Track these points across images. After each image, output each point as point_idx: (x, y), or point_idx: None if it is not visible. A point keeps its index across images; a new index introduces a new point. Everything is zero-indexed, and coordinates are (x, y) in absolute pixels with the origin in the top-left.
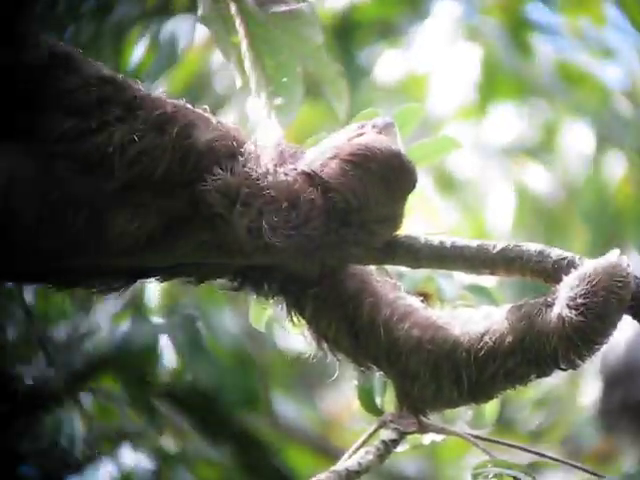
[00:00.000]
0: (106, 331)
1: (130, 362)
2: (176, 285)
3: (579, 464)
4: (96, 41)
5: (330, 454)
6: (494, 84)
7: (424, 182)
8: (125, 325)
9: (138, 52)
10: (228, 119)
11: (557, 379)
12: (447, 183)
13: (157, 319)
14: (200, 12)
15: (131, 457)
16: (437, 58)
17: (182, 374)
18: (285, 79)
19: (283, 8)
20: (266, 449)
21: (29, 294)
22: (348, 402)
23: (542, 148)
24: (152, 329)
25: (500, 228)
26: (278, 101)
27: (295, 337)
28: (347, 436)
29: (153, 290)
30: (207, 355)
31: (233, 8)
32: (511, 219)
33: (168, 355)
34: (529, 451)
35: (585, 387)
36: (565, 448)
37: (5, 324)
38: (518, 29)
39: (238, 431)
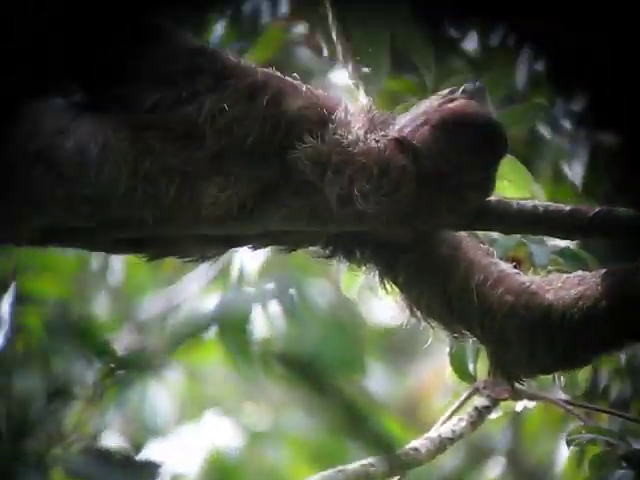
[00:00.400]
0: (198, 302)
1: (223, 332)
2: (268, 254)
3: None
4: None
5: (418, 425)
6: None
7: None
8: (216, 296)
9: (219, 29)
10: (319, 87)
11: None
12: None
13: (249, 288)
14: None
15: (219, 426)
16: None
17: (277, 342)
18: (372, 49)
19: None
20: (362, 417)
21: (117, 270)
22: (437, 373)
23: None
24: (245, 298)
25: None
26: (365, 70)
27: (387, 306)
28: (436, 407)
29: (244, 259)
30: (302, 323)
31: None
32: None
33: (261, 324)
34: (624, 417)
35: None
36: None
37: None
38: None
39: (334, 395)
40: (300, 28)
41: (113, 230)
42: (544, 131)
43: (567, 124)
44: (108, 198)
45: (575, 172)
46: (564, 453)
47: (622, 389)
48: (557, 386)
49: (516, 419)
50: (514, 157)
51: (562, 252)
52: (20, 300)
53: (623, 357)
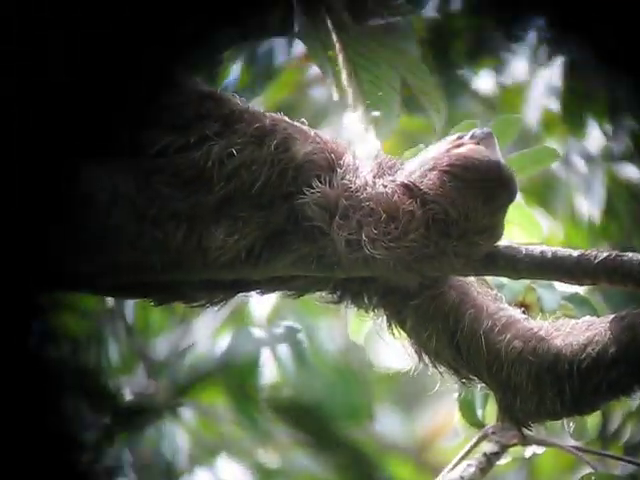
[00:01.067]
0: (207, 345)
1: (233, 375)
2: (277, 298)
3: None
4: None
5: (428, 469)
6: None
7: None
8: (226, 338)
9: (235, 70)
10: (326, 132)
11: None
12: (537, 195)
13: (259, 332)
14: (296, 28)
15: (230, 470)
16: (529, 70)
17: (285, 387)
18: (382, 92)
19: (379, 22)
20: (369, 463)
21: (129, 310)
22: (446, 417)
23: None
24: (254, 342)
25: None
26: (375, 114)
27: (394, 351)
28: (445, 451)
29: (254, 303)
30: (310, 368)
31: (329, 23)
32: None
33: (270, 368)
34: (634, 463)
35: None
36: None
37: (108, 340)
38: None
39: (342, 444)
40: (315, 69)
41: (121, 275)
42: (559, 170)
43: (582, 162)
44: (116, 243)
45: (592, 209)
46: None
47: (634, 433)
48: (566, 432)
49: (527, 464)
50: (523, 202)
51: (571, 298)
52: (45, 336)
53: (635, 401)
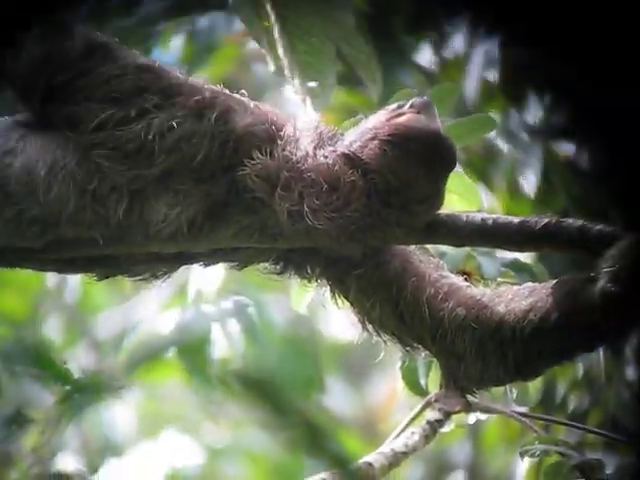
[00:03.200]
0: (155, 321)
1: (183, 351)
2: (225, 270)
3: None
4: (125, 37)
5: (377, 438)
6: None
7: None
8: (174, 314)
9: (175, 45)
10: (266, 104)
11: (598, 356)
12: (477, 166)
13: (208, 307)
14: (230, 0)
15: (177, 443)
16: (470, 43)
17: (235, 362)
18: (317, 63)
19: None
20: (320, 435)
21: (72, 287)
22: (396, 387)
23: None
24: (204, 317)
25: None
26: (312, 85)
27: (342, 321)
28: (394, 420)
29: (201, 276)
30: (260, 342)
31: None
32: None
33: (221, 343)
34: (575, 427)
35: (625, 365)
36: (606, 429)
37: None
38: None
39: (293, 417)
40: (255, 43)
41: (63, 250)
42: (499, 142)
43: (522, 135)
44: (57, 217)
45: (530, 183)
46: (523, 465)
47: (579, 402)
48: (509, 398)
49: (475, 432)
50: (463, 171)
51: (511, 264)
52: None
53: (581, 368)
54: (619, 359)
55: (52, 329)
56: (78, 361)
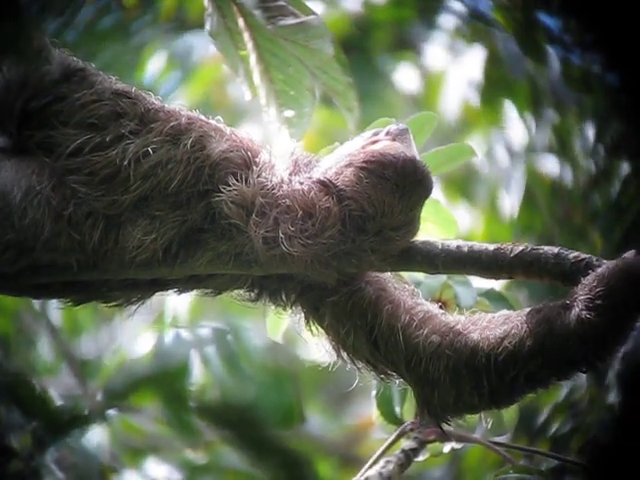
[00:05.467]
0: (134, 346)
1: (162, 377)
2: (201, 298)
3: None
4: (114, 60)
5: (356, 464)
6: (498, 87)
7: (437, 189)
8: (152, 339)
9: (154, 66)
10: (243, 130)
11: (580, 381)
12: (459, 187)
13: (185, 333)
14: (208, 27)
15: (158, 470)
16: (448, 62)
17: (213, 389)
18: (294, 92)
19: (292, 21)
20: (298, 461)
21: (54, 310)
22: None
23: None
24: (182, 344)
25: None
26: (288, 114)
27: (316, 347)
28: (373, 446)
29: (178, 303)
30: (239, 369)
31: (241, 22)
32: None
33: (198, 370)
34: (548, 455)
35: (608, 390)
36: (587, 453)
37: (32, 341)
38: (530, 32)
39: (271, 445)
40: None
41: (37, 275)
42: (482, 163)
43: (503, 155)
44: (32, 243)
45: (511, 203)
46: None
47: (560, 427)
48: (484, 426)
49: (455, 459)
50: (440, 196)
51: (487, 294)
52: None
53: (563, 394)
54: (601, 383)
55: (35, 351)
56: (60, 384)
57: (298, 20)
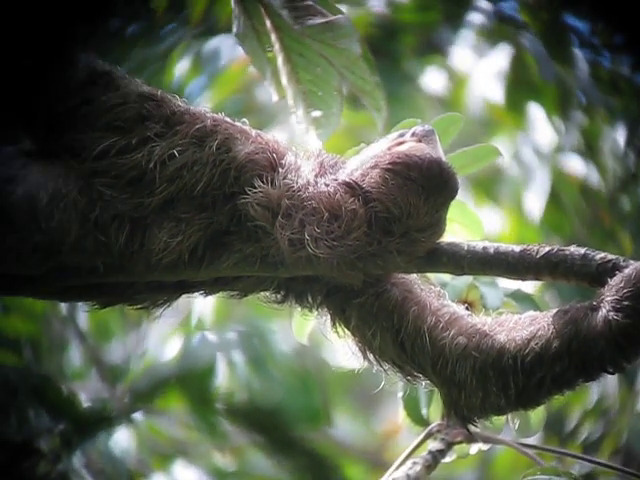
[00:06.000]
0: (161, 349)
1: (189, 380)
2: (227, 301)
3: (633, 471)
4: (143, 64)
5: (383, 468)
6: (524, 89)
7: (463, 190)
8: (179, 343)
9: (182, 69)
10: (270, 132)
11: (611, 386)
12: (486, 188)
13: (212, 336)
14: (235, 28)
15: (186, 474)
16: (474, 62)
17: (240, 392)
18: (322, 92)
19: (319, 21)
20: (325, 464)
21: (82, 314)
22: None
23: (581, 154)
24: (209, 347)
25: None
26: (316, 114)
27: (342, 350)
28: (400, 450)
29: (204, 306)
30: (265, 372)
31: (268, 23)
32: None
33: (225, 373)
34: (579, 458)
35: (639, 395)
36: (619, 458)
37: (62, 345)
38: (557, 34)
39: (298, 448)
40: None
41: (64, 278)
42: (508, 164)
43: (529, 157)
44: (59, 245)
45: (537, 204)
46: None
47: (593, 429)
48: (512, 427)
49: (485, 461)
50: (466, 198)
51: (514, 294)
52: None
53: (594, 397)
54: (632, 388)
55: (64, 355)
56: (88, 387)
57: (325, 19)
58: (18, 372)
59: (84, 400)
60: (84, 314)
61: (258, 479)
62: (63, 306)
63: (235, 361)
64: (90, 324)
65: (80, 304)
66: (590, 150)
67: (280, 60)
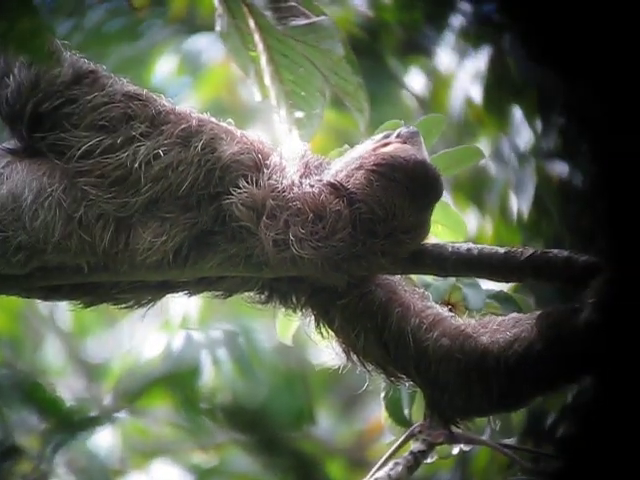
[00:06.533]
0: (144, 347)
1: (173, 379)
2: (211, 299)
3: None
4: (123, 62)
5: (365, 467)
6: (504, 91)
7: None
8: (163, 341)
9: (163, 68)
10: (254, 132)
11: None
12: (468, 190)
13: (197, 335)
14: (218, 28)
15: (167, 472)
16: (456, 64)
17: (225, 390)
18: (304, 93)
19: (302, 22)
20: (308, 463)
21: (63, 312)
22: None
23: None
24: (193, 345)
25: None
26: (298, 115)
27: (326, 350)
28: (382, 449)
29: (188, 305)
30: (250, 371)
31: (251, 23)
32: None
33: (210, 371)
34: (555, 457)
35: None
36: None
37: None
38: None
39: (282, 447)
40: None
41: (48, 277)
42: (490, 166)
43: (512, 159)
44: (43, 245)
45: (521, 206)
46: None
47: (568, 429)
48: (493, 428)
49: (464, 461)
50: (454, 193)
51: (496, 296)
52: None
53: (570, 396)
54: None
55: (45, 353)
56: (69, 386)
57: (309, 21)
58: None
59: (66, 399)
60: (64, 313)
61: (239, 477)
62: (42, 304)
63: (219, 360)
64: (71, 323)
65: (61, 303)
66: (570, 152)
67: (263, 60)
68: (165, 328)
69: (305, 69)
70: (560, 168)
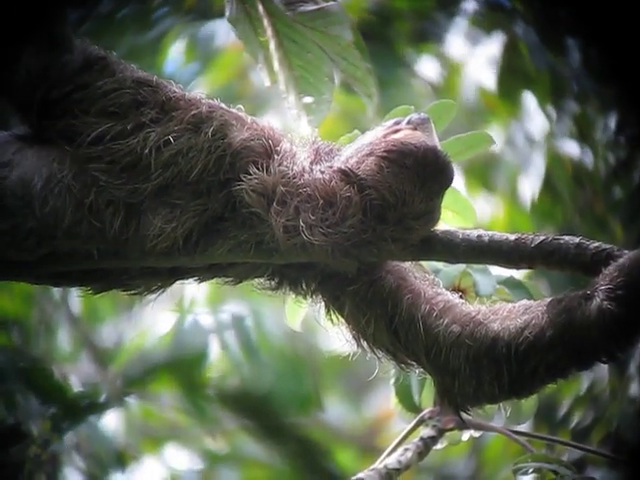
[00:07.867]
0: (153, 332)
1: (180, 363)
2: (220, 285)
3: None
4: (135, 49)
5: (375, 454)
6: (517, 77)
7: (457, 177)
8: (172, 326)
9: (175, 55)
10: (265, 118)
11: (602, 373)
12: (479, 175)
13: (205, 319)
14: (227, 13)
15: (178, 457)
16: (467, 50)
17: (232, 375)
18: (313, 79)
19: (311, 7)
20: (317, 450)
21: (74, 297)
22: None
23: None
24: (201, 330)
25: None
26: (307, 100)
27: (336, 336)
28: (392, 437)
29: (196, 289)
30: (257, 356)
31: (261, 8)
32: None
33: (217, 356)
34: (570, 445)
35: (629, 382)
36: (609, 445)
37: (53, 327)
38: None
39: (290, 433)
40: None
41: (58, 263)
42: (502, 151)
43: (523, 145)
44: (53, 231)
45: (531, 191)
46: None
47: (581, 419)
48: (503, 415)
49: (477, 447)
50: (459, 186)
51: (506, 282)
52: None
53: (584, 385)
54: (623, 375)
55: (55, 338)
56: (80, 371)
57: (318, 6)
58: (7, 354)
59: (75, 384)
60: (76, 298)
61: (249, 463)
62: (55, 290)
63: (227, 343)
64: (82, 308)
65: (73, 289)
66: (583, 138)
67: (272, 45)
68: (174, 311)
69: (314, 55)
70: (572, 151)
